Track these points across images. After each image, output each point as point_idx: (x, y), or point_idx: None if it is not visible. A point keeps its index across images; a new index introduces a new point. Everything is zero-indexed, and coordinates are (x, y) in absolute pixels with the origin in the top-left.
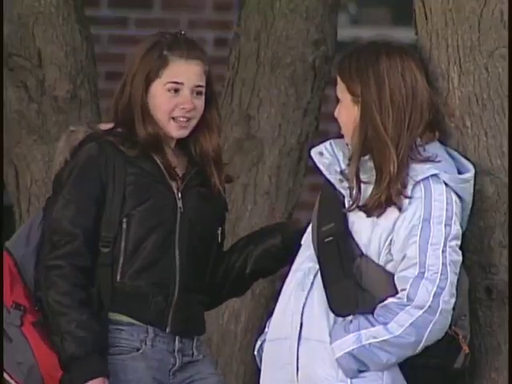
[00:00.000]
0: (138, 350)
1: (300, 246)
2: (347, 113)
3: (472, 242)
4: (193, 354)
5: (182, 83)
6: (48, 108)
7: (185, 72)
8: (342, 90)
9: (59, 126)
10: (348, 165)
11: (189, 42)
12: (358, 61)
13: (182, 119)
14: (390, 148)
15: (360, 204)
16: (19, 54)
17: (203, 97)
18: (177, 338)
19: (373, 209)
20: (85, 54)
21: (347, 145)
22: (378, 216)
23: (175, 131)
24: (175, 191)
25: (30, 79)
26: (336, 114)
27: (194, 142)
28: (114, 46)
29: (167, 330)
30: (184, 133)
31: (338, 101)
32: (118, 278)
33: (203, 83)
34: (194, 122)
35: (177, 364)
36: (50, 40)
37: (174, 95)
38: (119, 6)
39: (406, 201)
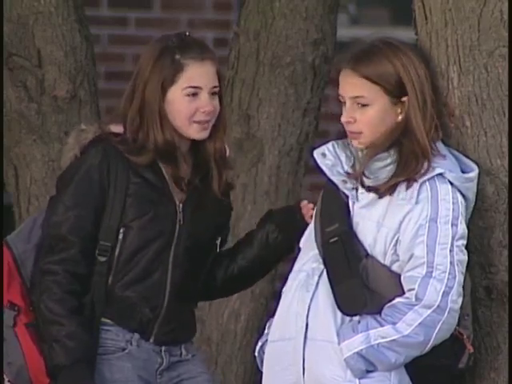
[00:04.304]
0: (123, 349)
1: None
2: (384, 115)
3: (472, 241)
4: (181, 353)
5: (200, 87)
6: (48, 108)
7: (201, 75)
8: (372, 93)
9: (59, 125)
10: (352, 165)
11: (198, 43)
12: (392, 61)
13: (203, 122)
14: (428, 148)
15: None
16: (19, 54)
17: (218, 96)
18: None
19: (385, 191)
20: (84, 53)
21: (350, 145)
22: (391, 194)
23: (197, 133)
24: (177, 202)
25: (29, 79)
26: (358, 118)
27: (202, 144)
28: (113, 46)
29: (151, 340)
30: (205, 134)
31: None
32: (108, 286)
33: (218, 83)
34: (212, 122)
35: (164, 363)
36: (49, 40)
37: (192, 99)
38: (119, 6)
39: (416, 192)
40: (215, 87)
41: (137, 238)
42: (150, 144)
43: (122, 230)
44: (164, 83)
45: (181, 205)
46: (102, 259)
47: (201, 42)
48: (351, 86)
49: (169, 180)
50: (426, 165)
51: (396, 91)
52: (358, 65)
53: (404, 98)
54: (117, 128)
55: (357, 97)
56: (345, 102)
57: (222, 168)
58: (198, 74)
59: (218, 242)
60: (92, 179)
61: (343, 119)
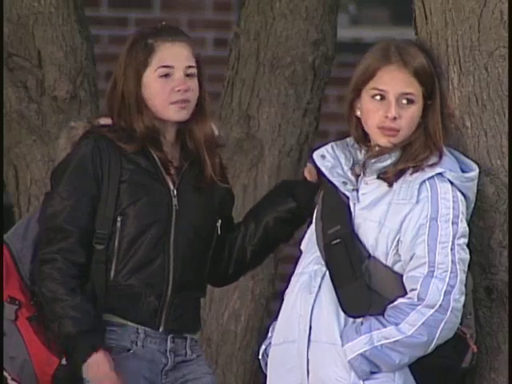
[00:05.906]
0: (128, 350)
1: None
2: (417, 117)
3: (472, 242)
4: (186, 353)
5: (172, 66)
6: (48, 108)
7: (173, 55)
8: (417, 92)
9: (59, 126)
10: (352, 166)
11: (172, 28)
12: (428, 62)
13: (180, 102)
14: (441, 144)
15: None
16: (19, 54)
17: (196, 78)
18: (169, 337)
19: (392, 175)
20: (84, 54)
21: (350, 146)
22: (396, 180)
23: (176, 115)
24: (171, 188)
25: (29, 79)
26: (402, 114)
27: (187, 130)
28: (113, 46)
29: (160, 329)
30: (184, 115)
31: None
32: (112, 276)
33: (193, 64)
34: (192, 104)
35: (169, 364)
36: (49, 40)
37: (166, 80)
38: (119, 6)
39: (416, 191)
40: (190, 67)
41: (134, 225)
42: (136, 132)
43: (119, 219)
44: (138, 68)
45: (175, 190)
46: (100, 247)
47: (175, 27)
48: (402, 81)
49: (161, 165)
50: (436, 157)
51: (428, 95)
52: (408, 60)
53: (429, 102)
54: (106, 121)
55: (406, 93)
56: (382, 97)
57: (213, 153)
58: (168, 54)
59: (219, 224)
60: (85, 169)
61: (390, 115)
